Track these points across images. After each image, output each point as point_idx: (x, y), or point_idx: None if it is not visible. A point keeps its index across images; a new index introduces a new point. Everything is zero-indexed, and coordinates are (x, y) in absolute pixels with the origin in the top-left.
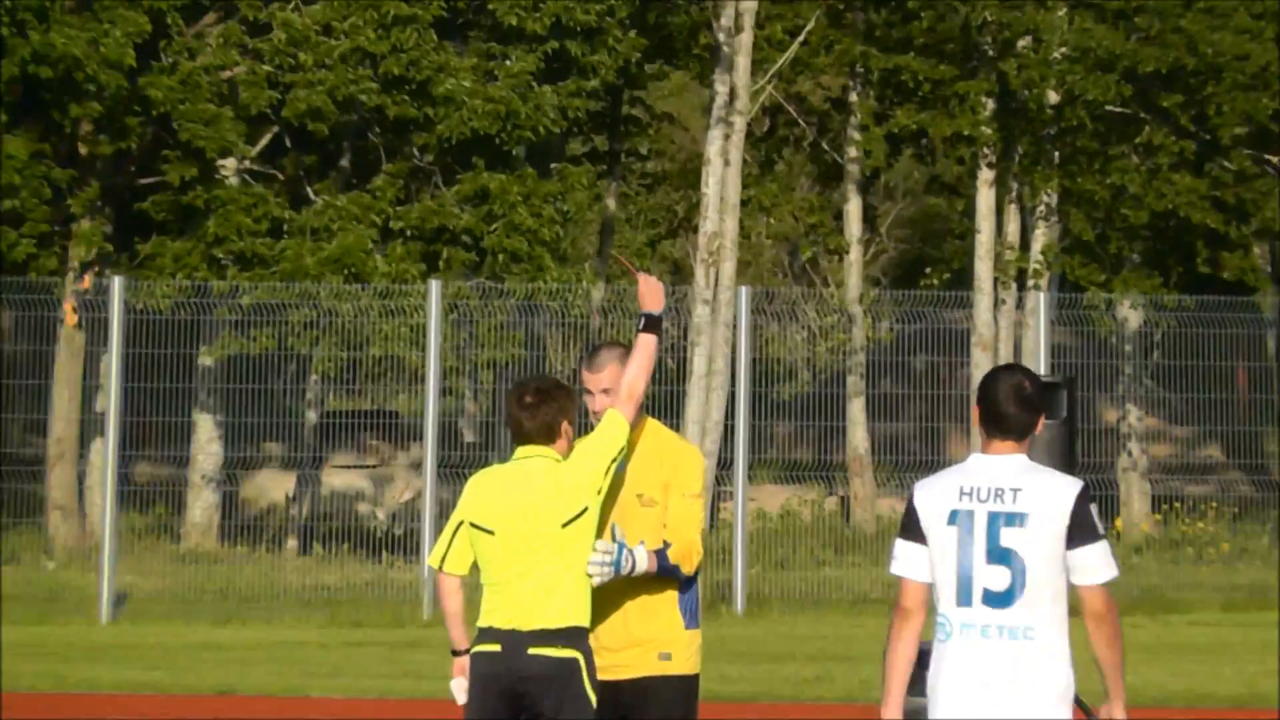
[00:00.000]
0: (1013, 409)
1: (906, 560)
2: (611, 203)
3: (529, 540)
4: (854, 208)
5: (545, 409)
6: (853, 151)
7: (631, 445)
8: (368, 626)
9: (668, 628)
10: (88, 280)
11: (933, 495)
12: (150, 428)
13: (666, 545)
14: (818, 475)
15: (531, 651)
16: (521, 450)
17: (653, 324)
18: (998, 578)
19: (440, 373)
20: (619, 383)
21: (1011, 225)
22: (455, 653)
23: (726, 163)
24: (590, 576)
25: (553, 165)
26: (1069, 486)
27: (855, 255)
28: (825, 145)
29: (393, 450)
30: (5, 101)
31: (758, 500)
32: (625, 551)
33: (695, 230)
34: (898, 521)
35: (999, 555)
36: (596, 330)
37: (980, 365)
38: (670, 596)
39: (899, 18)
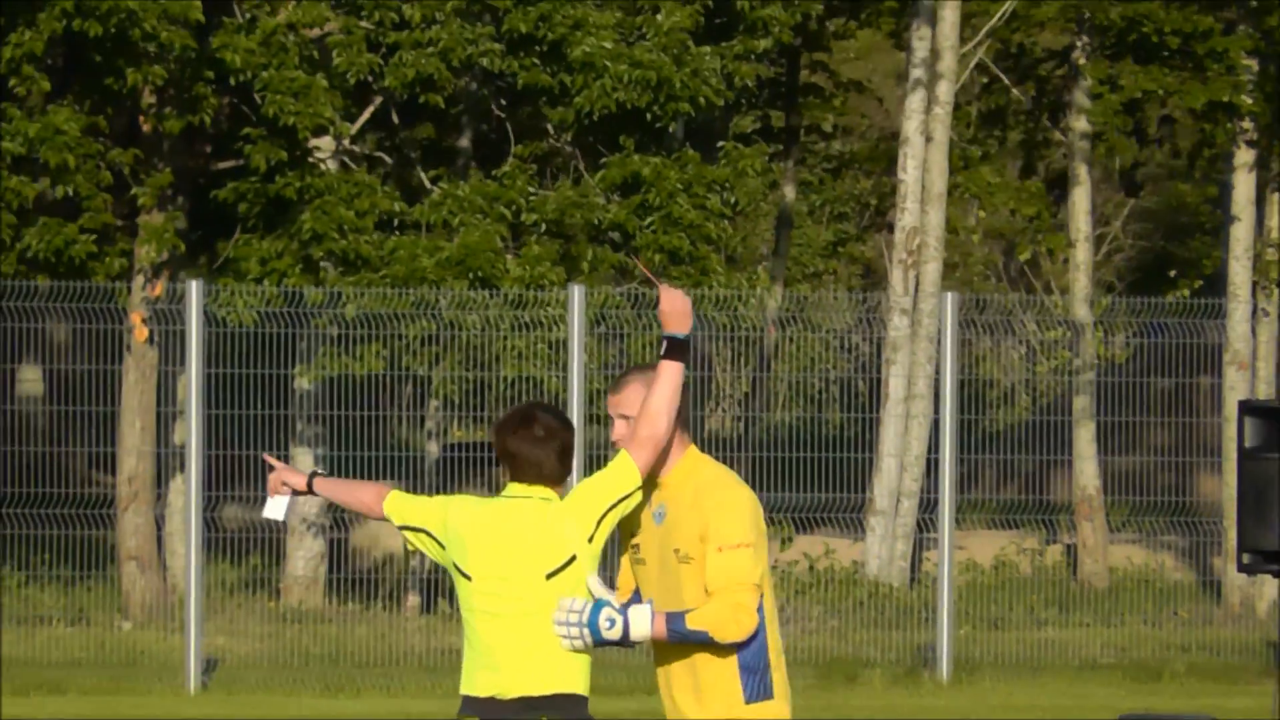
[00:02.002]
0: None
1: None
2: (789, 191)
3: (510, 591)
4: (1080, 196)
5: (556, 441)
6: (1081, 124)
7: (670, 486)
8: None
9: (724, 703)
10: (159, 286)
11: None
12: (239, 463)
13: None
14: (1039, 519)
15: None
16: (516, 488)
17: (677, 348)
18: None
19: (586, 397)
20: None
21: (1275, 218)
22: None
23: (929, 140)
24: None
25: (719, 144)
26: None
27: (1083, 255)
28: (1046, 119)
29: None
30: (48, 65)
31: (967, 549)
32: (604, 610)
33: (890, 225)
34: (1133, 575)
35: None
36: (772, 345)
37: (1235, 388)
38: (729, 663)
39: None
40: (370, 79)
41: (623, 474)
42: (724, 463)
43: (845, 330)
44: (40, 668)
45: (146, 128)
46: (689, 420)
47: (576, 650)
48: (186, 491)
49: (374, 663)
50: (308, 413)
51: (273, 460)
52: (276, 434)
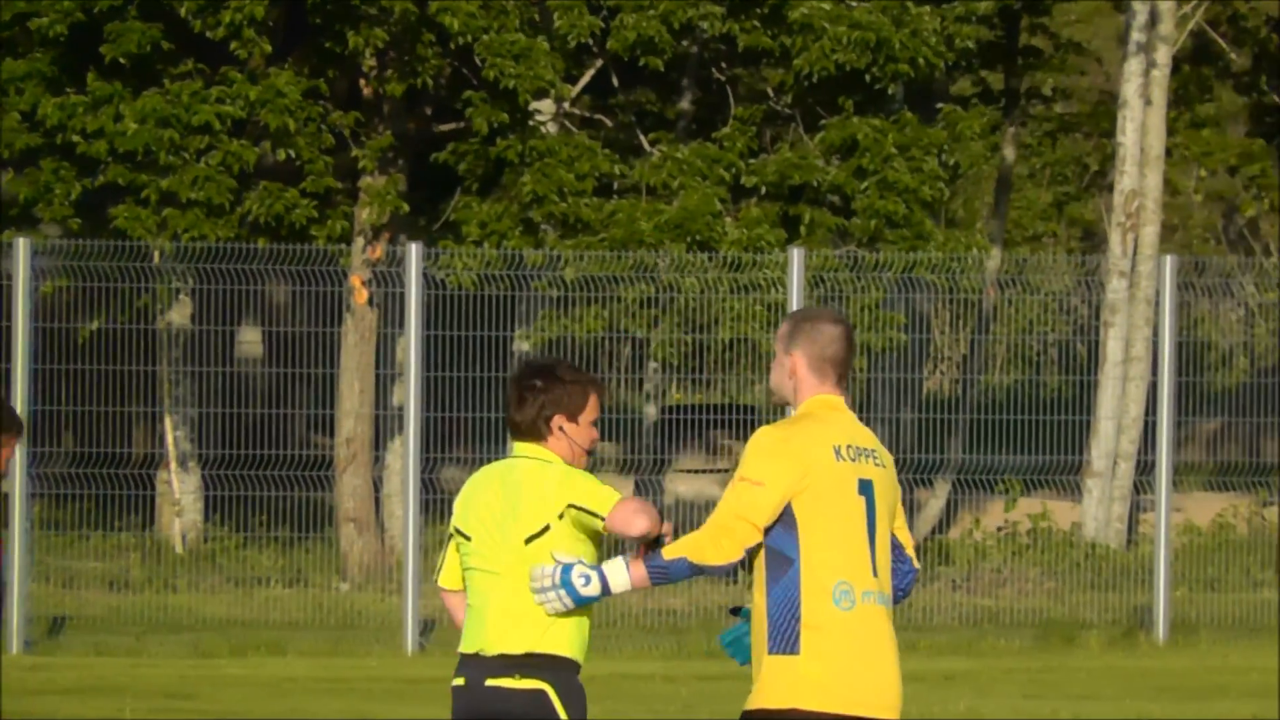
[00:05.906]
0: None
1: None
2: (1009, 153)
3: (495, 551)
4: None
5: (535, 400)
6: None
7: None
8: (724, 657)
9: (757, 647)
10: (379, 249)
11: None
12: (457, 425)
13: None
14: (1256, 481)
15: (490, 683)
16: (516, 447)
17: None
18: None
19: None
20: None
21: None
22: None
23: (1148, 103)
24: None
25: (938, 107)
26: None
27: None
28: (1264, 84)
29: None
30: (269, 28)
31: (1184, 511)
32: (575, 569)
33: (1109, 187)
34: None
35: None
36: (991, 307)
37: None
38: (760, 609)
39: None
40: (591, 42)
41: (604, 499)
42: (946, 425)
43: (1064, 293)
44: (259, 628)
45: (367, 91)
46: (831, 371)
47: (559, 611)
48: (405, 453)
49: (592, 624)
50: None
51: None
52: (495, 396)
